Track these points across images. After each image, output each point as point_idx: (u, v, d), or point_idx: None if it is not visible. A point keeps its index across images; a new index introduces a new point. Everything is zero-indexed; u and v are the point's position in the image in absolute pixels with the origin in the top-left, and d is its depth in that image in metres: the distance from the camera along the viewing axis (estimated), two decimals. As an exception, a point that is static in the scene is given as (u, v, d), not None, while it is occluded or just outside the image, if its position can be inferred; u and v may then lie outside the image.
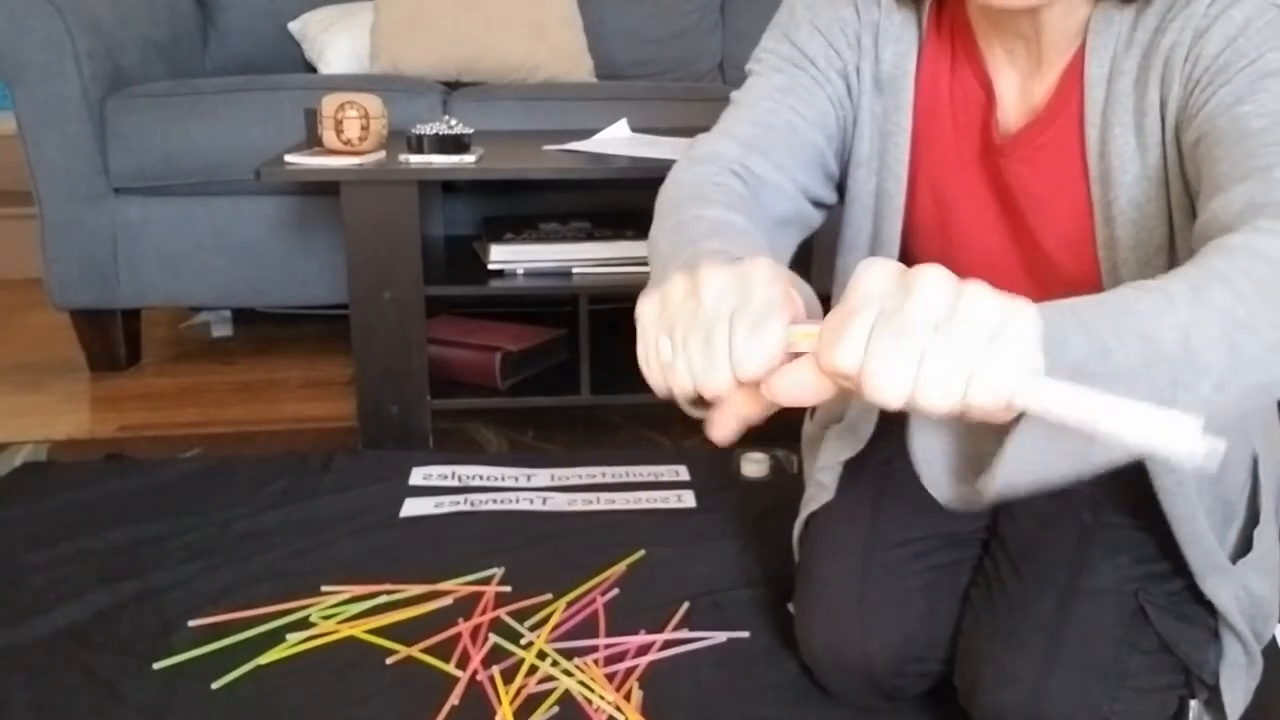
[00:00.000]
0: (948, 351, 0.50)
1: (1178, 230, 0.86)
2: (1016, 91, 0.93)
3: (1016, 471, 0.57)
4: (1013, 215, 0.96)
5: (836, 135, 0.99)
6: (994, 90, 0.94)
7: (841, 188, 1.03)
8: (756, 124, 0.95)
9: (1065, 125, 0.90)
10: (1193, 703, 0.98)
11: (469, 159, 1.73)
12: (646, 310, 0.61)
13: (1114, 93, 0.87)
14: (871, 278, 0.53)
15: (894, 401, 0.52)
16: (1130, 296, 0.60)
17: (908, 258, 1.03)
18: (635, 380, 0.64)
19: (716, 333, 0.56)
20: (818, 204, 1.00)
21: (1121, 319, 0.57)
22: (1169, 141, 0.84)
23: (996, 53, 0.93)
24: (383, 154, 1.76)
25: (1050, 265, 0.94)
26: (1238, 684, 0.98)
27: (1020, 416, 0.54)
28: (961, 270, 1.00)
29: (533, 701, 1.11)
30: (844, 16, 0.97)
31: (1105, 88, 0.87)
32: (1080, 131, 0.89)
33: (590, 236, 1.87)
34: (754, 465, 1.67)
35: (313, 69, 2.58)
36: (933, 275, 0.52)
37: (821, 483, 1.13)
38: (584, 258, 1.84)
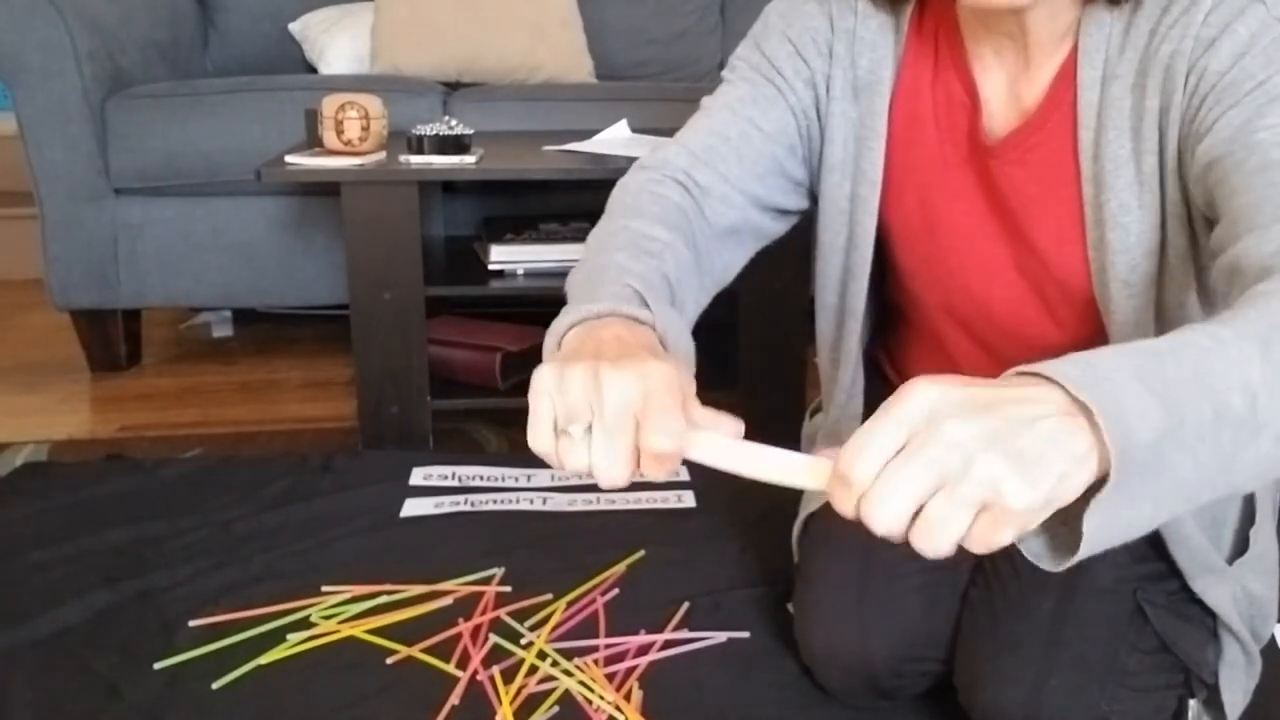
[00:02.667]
0: (942, 512, 0.53)
1: (1170, 237, 0.87)
2: (1005, 92, 0.93)
3: (1098, 544, 0.57)
4: (1004, 216, 0.96)
5: (800, 144, 1.01)
6: (979, 93, 0.94)
7: (815, 193, 1.04)
8: (711, 133, 0.98)
9: (1057, 127, 0.90)
10: (1192, 702, 0.98)
11: (469, 159, 1.73)
12: (543, 399, 0.65)
13: (1109, 96, 0.87)
14: (915, 401, 0.55)
15: (884, 533, 0.54)
16: (1203, 353, 0.59)
17: (893, 261, 1.04)
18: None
19: (619, 433, 0.62)
20: (780, 211, 1.02)
21: (1198, 381, 0.58)
22: (1168, 150, 0.84)
23: (985, 53, 0.93)
24: (383, 154, 1.76)
25: (1042, 264, 0.94)
26: (1237, 683, 0.99)
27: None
28: (952, 271, 1.01)
29: (533, 701, 1.11)
30: (816, 26, 0.98)
31: (1099, 90, 0.87)
32: (1073, 133, 0.89)
33: (590, 237, 1.87)
34: (754, 465, 1.66)
35: (313, 69, 2.58)
36: (957, 428, 0.53)
37: (821, 483, 1.13)
38: (584, 258, 1.83)
